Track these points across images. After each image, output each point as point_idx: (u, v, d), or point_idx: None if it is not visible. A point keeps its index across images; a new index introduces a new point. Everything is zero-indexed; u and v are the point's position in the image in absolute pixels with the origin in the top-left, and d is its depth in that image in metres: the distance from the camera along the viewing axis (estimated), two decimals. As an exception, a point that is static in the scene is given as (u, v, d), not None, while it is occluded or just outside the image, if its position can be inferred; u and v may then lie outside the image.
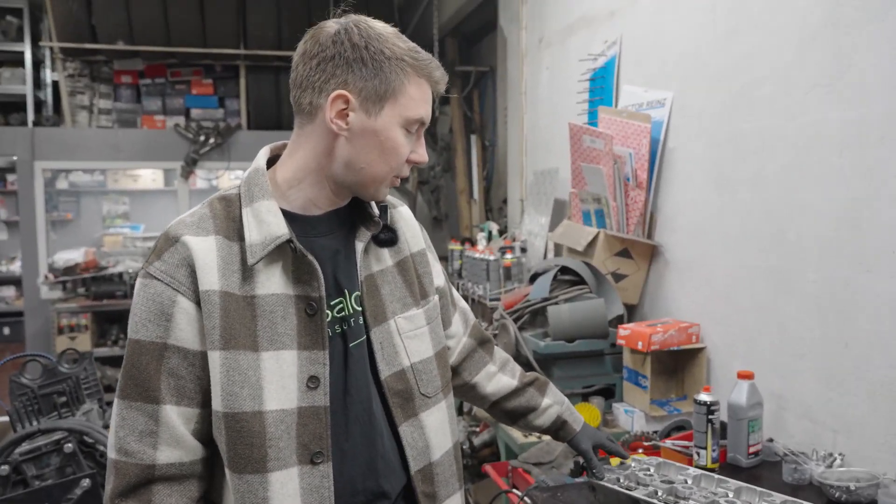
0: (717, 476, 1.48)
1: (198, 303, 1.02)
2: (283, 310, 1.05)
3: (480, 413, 3.03)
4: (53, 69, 6.10)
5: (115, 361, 5.50)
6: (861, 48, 1.74)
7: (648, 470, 1.51)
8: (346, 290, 1.12)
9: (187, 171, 5.86)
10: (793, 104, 1.96)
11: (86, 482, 1.75)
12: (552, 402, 1.46)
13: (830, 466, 1.74)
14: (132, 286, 5.45)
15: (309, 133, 1.09)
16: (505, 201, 4.97)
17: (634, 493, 1.37)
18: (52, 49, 5.94)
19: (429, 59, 1.09)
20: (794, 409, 1.98)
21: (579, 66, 3.25)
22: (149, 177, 7.20)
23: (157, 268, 1.03)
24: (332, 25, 1.07)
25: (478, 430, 3.27)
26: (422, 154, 1.13)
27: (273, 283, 1.05)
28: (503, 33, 4.65)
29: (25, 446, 1.83)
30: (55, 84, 6.16)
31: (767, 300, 2.08)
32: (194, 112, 6.10)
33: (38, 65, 6.12)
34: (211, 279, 1.02)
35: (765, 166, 2.08)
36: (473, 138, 5.69)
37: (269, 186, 1.08)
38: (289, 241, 1.04)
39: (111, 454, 1.03)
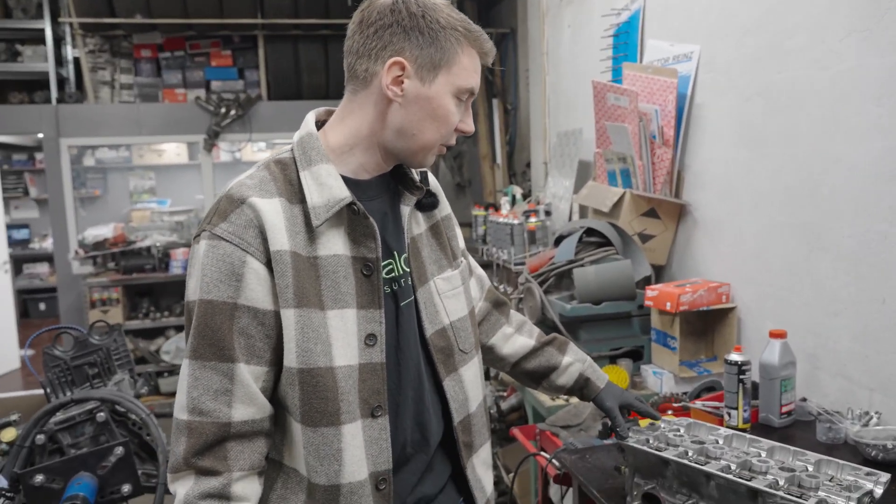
0: (748, 436, 1.45)
1: (267, 263, 1.04)
2: (344, 270, 1.09)
3: (507, 377, 3.03)
4: (74, 46, 6.11)
5: (146, 334, 5.61)
6: (900, -11, 1.65)
7: (678, 431, 1.48)
8: (394, 252, 1.16)
9: (210, 144, 5.87)
10: (827, 52, 1.88)
11: (119, 450, 1.78)
12: (573, 359, 1.45)
13: (866, 425, 1.71)
14: (160, 259, 5.52)
15: (362, 99, 1.11)
16: (528, 165, 4.91)
17: (664, 454, 1.35)
18: (71, 25, 5.94)
19: (480, 30, 1.12)
20: (829, 368, 1.94)
21: (602, 21, 3.16)
22: (173, 151, 7.25)
23: (225, 229, 1.03)
24: None
25: (505, 394, 3.27)
26: (469, 124, 1.15)
27: (333, 244, 1.08)
28: (523, -8, 4.54)
29: (60, 416, 1.86)
30: (76, 60, 6.17)
31: (800, 258, 2.02)
32: (214, 84, 6.08)
33: (58, 42, 6.13)
34: (281, 240, 1.04)
35: (797, 119, 2.01)
36: (495, 102, 5.61)
37: (325, 150, 1.11)
38: (350, 203, 1.08)
39: (181, 416, 1.03)
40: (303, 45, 6.13)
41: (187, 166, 7.45)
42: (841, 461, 1.30)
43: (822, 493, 1.19)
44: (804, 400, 1.91)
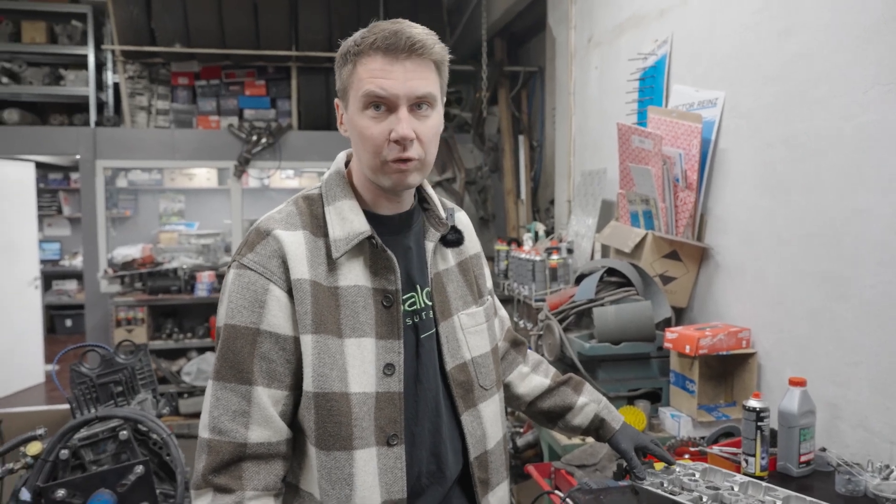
0: (765, 484, 1.44)
1: (289, 291, 1.09)
2: (364, 300, 1.12)
3: (523, 415, 3.03)
4: (115, 71, 6.32)
5: (168, 354, 5.68)
6: (924, 45, 1.68)
7: (694, 475, 1.48)
8: (417, 286, 1.20)
9: (240, 171, 6.00)
10: (851, 103, 1.90)
11: (139, 468, 1.82)
12: (588, 399, 1.46)
13: (887, 479, 1.68)
14: (186, 281, 5.61)
15: None
16: (552, 202, 4.94)
17: (678, 498, 1.35)
18: (113, 52, 6.15)
19: (381, 31, 1.08)
20: (849, 419, 1.92)
21: (629, 65, 3.21)
22: (203, 175, 7.40)
23: (251, 259, 1.10)
24: None
25: (521, 430, 3.26)
26: (399, 129, 1.07)
27: (354, 275, 1.13)
28: (552, 33, 4.62)
29: (84, 432, 1.90)
30: (116, 86, 6.38)
31: (821, 306, 2.02)
32: (247, 112, 6.24)
33: (100, 67, 6.34)
34: (301, 269, 1.09)
35: (820, 168, 2.02)
36: (521, 139, 5.67)
37: (348, 187, 1.17)
38: (370, 237, 1.12)
39: (204, 434, 1.09)
40: (334, 76, 6.24)
41: (216, 191, 7.60)
42: (857, 514, 1.29)
43: (836, 546, 1.18)
44: (823, 450, 1.89)
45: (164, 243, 6.88)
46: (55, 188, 8.41)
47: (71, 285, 8.53)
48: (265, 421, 1.08)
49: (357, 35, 1.12)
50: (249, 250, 1.11)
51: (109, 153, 5.86)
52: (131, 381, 2.33)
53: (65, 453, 1.84)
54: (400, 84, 1.07)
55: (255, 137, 5.96)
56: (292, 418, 1.13)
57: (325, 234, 1.13)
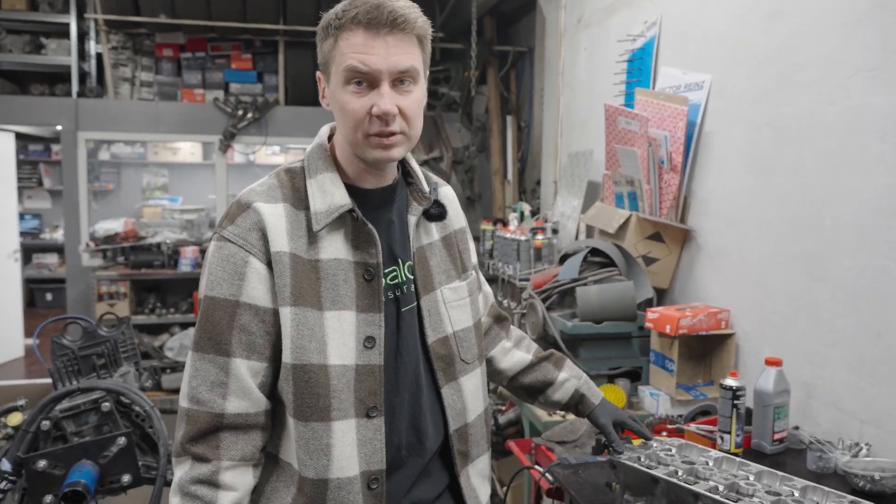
0: (738, 459, 1.47)
1: (268, 264, 1.09)
2: (344, 274, 1.13)
3: (506, 391, 3.06)
4: (97, 41, 6.21)
5: (150, 329, 5.65)
6: (908, 31, 1.69)
7: (670, 451, 1.51)
8: (399, 260, 1.20)
9: (225, 145, 5.94)
10: (835, 88, 1.92)
11: (121, 440, 1.81)
12: (569, 375, 1.48)
13: (856, 456, 1.73)
14: (169, 256, 5.58)
15: None
16: (538, 183, 4.95)
17: (654, 472, 1.38)
18: (96, 21, 6.04)
19: (359, 4, 1.06)
20: (822, 398, 1.96)
21: (617, 46, 3.21)
22: (187, 150, 7.33)
23: (231, 231, 1.10)
24: None
25: (504, 408, 3.29)
26: (381, 104, 1.07)
27: (335, 248, 1.13)
28: (542, 13, 4.60)
29: (66, 403, 1.89)
30: (99, 56, 6.27)
31: (801, 287, 2.05)
32: (233, 86, 6.16)
33: (82, 37, 6.23)
34: (281, 242, 1.09)
35: (804, 151, 2.05)
36: (509, 119, 5.65)
37: (330, 160, 1.17)
38: (350, 210, 1.12)
39: (183, 403, 1.10)
40: (321, 52, 6.21)
41: (200, 165, 7.53)
42: (827, 488, 1.32)
43: (806, 519, 1.21)
44: (797, 428, 1.93)
45: (148, 218, 6.82)
46: (35, 160, 8.28)
47: (51, 259, 8.44)
48: (243, 392, 1.09)
49: (339, 7, 1.09)
50: (230, 223, 1.11)
51: (92, 125, 5.77)
52: (114, 353, 2.31)
53: (46, 424, 1.83)
54: (382, 59, 1.06)
55: (240, 112, 5.89)
56: (272, 389, 1.13)
57: (307, 208, 1.13)
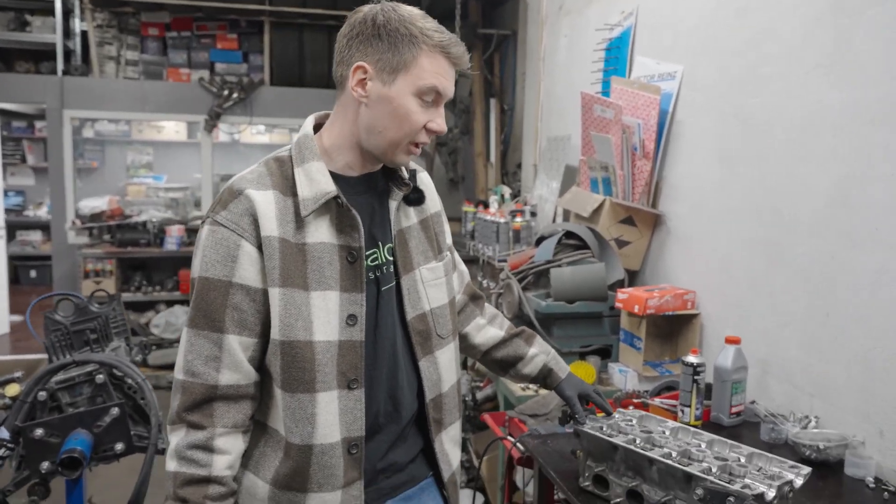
0: (692, 429, 1.60)
1: (259, 247, 1.18)
2: (329, 256, 1.22)
3: (483, 369, 3.17)
4: (83, 19, 6.19)
5: (137, 307, 5.71)
6: (860, 32, 1.79)
7: (631, 421, 1.63)
8: (379, 243, 1.30)
9: (211, 125, 5.97)
10: (796, 83, 2.03)
11: (115, 411, 1.90)
12: (538, 351, 1.59)
13: (805, 428, 1.86)
14: (155, 235, 5.62)
15: (343, 103, 1.25)
16: (519, 165, 5.04)
17: (614, 440, 1.50)
18: (81, -1, 6.03)
19: (448, 37, 1.22)
20: (777, 374, 2.09)
21: (596, 35, 3.30)
22: (172, 128, 7.33)
23: (224, 216, 1.19)
24: (365, 10, 1.22)
25: (481, 385, 3.41)
26: (439, 123, 1.24)
27: (321, 233, 1.22)
28: (525, -2, 4.66)
29: (60, 376, 1.98)
30: (84, 34, 6.25)
31: (760, 271, 2.17)
32: (219, 66, 6.18)
33: (67, 14, 6.20)
34: (271, 227, 1.18)
35: (767, 142, 2.15)
36: (493, 102, 5.73)
37: (317, 150, 1.25)
38: (335, 197, 1.21)
39: (179, 375, 1.20)
40: (308, 33, 6.23)
41: (185, 144, 7.53)
42: (770, 455, 1.45)
43: (748, 480, 1.34)
44: (753, 402, 2.06)
45: (132, 196, 6.84)
46: (19, 136, 8.24)
47: (35, 236, 8.43)
48: (235, 365, 1.19)
49: (423, 24, 1.20)
50: (223, 208, 1.19)
51: (77, 103, 5.77)
52: (105, 329, 2.39)
53: (43, 395, 1.91)
54: (450, 88, 1.23)
55: (226, 92, 5.92)
56: (261, 363, 1.23)
57: (294, 194, 1.22)
